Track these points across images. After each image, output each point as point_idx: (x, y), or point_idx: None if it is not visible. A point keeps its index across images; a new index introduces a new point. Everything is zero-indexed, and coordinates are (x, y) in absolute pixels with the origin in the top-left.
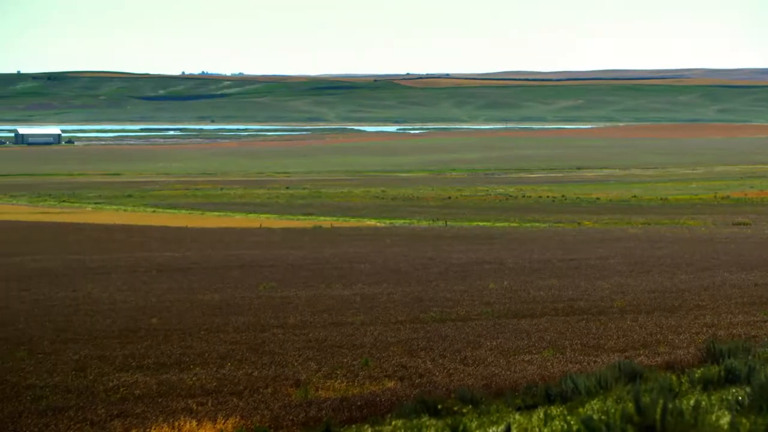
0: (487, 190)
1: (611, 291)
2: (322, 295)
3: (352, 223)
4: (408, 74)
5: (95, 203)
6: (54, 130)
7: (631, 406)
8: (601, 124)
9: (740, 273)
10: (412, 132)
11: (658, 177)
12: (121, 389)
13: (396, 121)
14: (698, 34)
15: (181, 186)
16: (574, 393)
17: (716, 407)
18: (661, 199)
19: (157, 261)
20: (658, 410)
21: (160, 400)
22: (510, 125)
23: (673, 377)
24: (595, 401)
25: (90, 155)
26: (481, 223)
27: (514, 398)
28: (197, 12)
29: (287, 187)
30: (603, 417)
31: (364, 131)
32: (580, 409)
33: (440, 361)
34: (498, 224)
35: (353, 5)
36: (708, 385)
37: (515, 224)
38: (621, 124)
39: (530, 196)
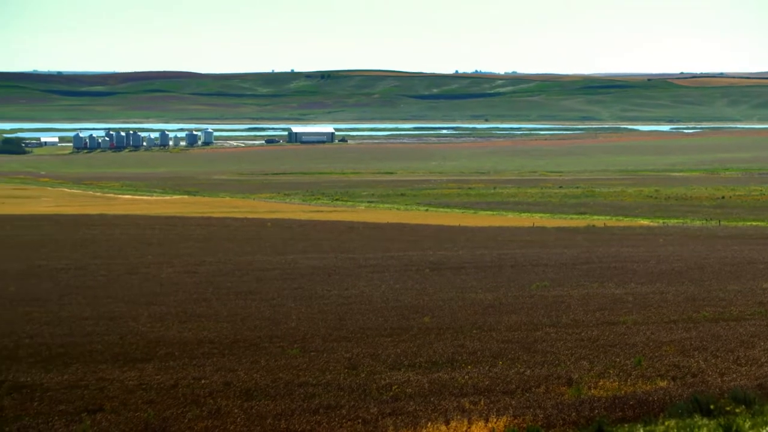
0: (761, 190)
1: None
2: (595, 294)
3: (625, 222)
4: (682, 73)
5: (368, 202)
6: (327, 128)
7: None
8: None
9: None
10: (685, 131)
11: None
12: (394, 387)
13: (669, 120)
14: None
15: (454, 185)
16: None
17: None
18: None
19: (429, 260)
20: None
21: (432, 398)
22: None
23: None
24: None
25: (363, 154)
26: (755, 223)
27: None
28: (470, 11)
29: (560, 186)
30: None
31: (637, 130)
32: None
33: (713, 360)
34: None
35: (626, 5)
36: None
37: None
38: None
39: None
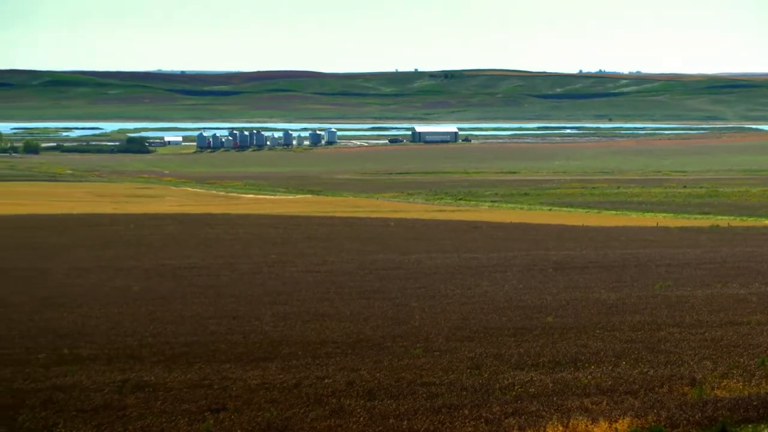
0: None
1: None
2: (719, 294)
3: (750, 222)
4: None
5: (491, 201)
6: (450, 128)
7: None
8: None
9: None
10: None
11: None
12: (516, 387)
13: None
14: None
15: (577, 184)
16: None
17: None
18: None
19: (553, 259)
20: None
21: (554, 398)
22: None
23: None
24: None
25: (486, 153)
26: None
27: None
28: (594, 11)
29: (684, 186)
30: None
31: (761, 130)
32: None
33: None
34: None
35: (752, 4)
36: None
37: None
38: None
39: None
